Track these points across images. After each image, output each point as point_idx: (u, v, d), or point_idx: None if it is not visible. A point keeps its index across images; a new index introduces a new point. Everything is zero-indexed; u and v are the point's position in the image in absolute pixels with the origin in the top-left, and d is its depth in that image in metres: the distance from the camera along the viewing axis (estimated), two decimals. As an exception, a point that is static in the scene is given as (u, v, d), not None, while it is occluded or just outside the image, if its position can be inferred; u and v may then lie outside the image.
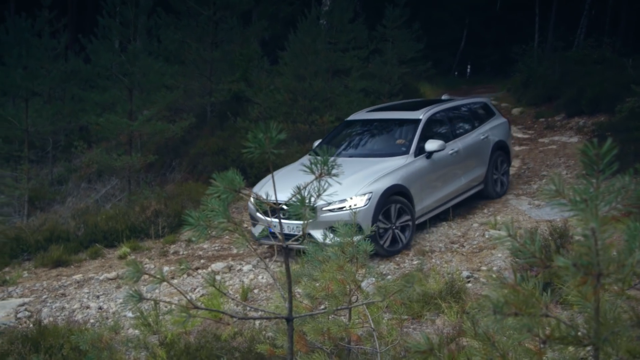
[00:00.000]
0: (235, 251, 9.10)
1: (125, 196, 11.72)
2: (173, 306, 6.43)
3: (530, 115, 17.03)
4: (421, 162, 8.46)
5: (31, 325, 6.05)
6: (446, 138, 9.07)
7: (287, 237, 7.70)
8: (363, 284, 3.65)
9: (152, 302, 6.20)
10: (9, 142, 12.22)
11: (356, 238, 7.15)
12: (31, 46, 11.80)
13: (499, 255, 7.37)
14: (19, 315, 7.04)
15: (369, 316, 3.03)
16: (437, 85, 19.02)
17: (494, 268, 6.98)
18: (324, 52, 13.30)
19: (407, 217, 7.90)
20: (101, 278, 8.23)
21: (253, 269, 8.02)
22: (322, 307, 5.19)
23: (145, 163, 11.97)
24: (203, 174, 12.84)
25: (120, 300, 7.25)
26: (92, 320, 6.74)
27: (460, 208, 10.13)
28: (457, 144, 9.21)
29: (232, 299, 6.74)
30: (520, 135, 15.25)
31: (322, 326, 3.05)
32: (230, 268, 8.13)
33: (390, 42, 16.10)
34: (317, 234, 7.44)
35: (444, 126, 9.40)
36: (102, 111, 12.31)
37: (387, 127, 9.44)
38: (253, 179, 10.99)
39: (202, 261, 8.61)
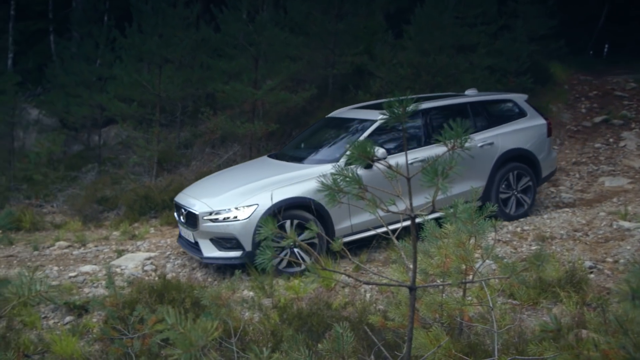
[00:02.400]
0: (349, 223, 9.14)
1: (246, 162, 12.10)
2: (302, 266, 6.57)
3: (675, 100, 15.70)
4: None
5: (156, 278, 6.43)
6: (415, 144, 7.86)
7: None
8: (478, 266, 3.55)
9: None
10: (143, 106, 12.94)
11: (234, 254, 6.81)
12: (166, 15, 12.33)
13: (627, 247, 6.92)
14: (146, 267, 7.50)
15: (488, 295, 2.94)
16: (569, 65, 17.95)
17: (621, 260, 6.56)
18: (450, 27, 12.93)
19: (312, 236, 6.81)
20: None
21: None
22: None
23: (266, 131, 12.27)
24: (322, 145, 12.97)
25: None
26: (210, 279, 7.06)
27: (587, 194, 9.65)
28: (427, 152, 7.52)
29: (353, 261, 6.80)
30: (660, 122, 14.14)
31: (439, 300, 3.00)
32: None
33: (521, 17, 15.37)
34: (204, 244, 7.09)
35: (417, 129, 7.96)
36: (228, 79, 12.71)
37: (348, 128, 8.15)
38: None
39: (316, 230, 8.73)
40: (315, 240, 6.99)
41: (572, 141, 12.86)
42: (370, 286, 6.30)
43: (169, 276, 6.73)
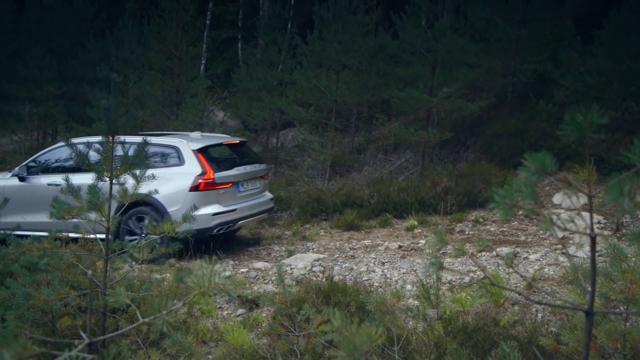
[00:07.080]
0: (523, 238, 8.71)
1: (418, 170, 12.00)
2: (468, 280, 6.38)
3: None
4: (14, 182, 8.93)
5: (323, 280, 6.56)
6: (62, 171, 8.34)
7: None
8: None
9: (434, 278, 6.26)
10: (320, 110, 13.33)
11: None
12: (346, 22, 12.62)
13: None
14: (314, 269, 7.68)
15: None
16: None
17: None
18: (652, 30, 11.85)
19: None
20: (388, 246, 8.55)
21: (540, 259, 7.59)
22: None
23: (440, 139, 12.08)
24: (497, 156, 12.50)
25: (404, 270, 7.47)
26: (376, 284, 7.05)
27: None
28: (54, 179, 8.18)
29: (525, 278, 6.47)
30: None
31: (621, 329, 2.70)
32: (515, 255, 7.80)
33: None
34: None
35: (69, 160, 8.56)
36: (404, 86, 12.69)
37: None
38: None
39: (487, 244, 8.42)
40: None
41: None
42: (542, 306, 5.92)
43: (336, 279, 6.82)
